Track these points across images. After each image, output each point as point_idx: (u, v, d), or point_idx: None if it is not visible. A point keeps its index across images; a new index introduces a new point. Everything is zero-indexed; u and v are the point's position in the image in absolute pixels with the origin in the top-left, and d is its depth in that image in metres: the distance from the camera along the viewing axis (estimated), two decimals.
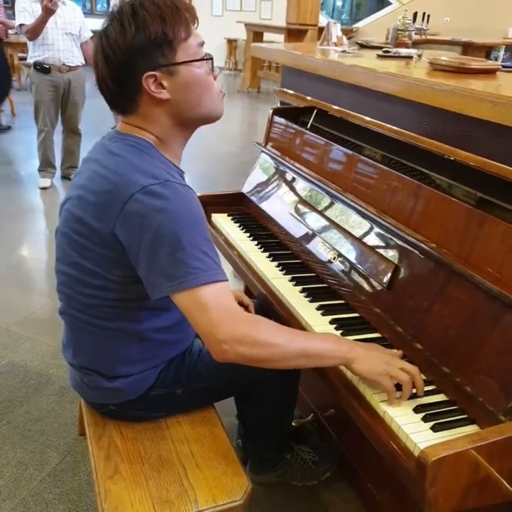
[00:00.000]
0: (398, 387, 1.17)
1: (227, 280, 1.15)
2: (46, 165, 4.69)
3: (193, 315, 1.12)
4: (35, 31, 4.15)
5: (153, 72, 1.15)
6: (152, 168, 1.15)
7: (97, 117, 5.34)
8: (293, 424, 1.81)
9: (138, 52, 1.14)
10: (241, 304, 1.65)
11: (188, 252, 1.09)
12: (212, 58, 1.23)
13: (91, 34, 4.57)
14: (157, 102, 1.19)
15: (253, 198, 2.12)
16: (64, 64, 4.33)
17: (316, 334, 1.36)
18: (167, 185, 1.12)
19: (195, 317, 1.12)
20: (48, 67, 4.29)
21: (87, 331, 1.33)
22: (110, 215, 1.14)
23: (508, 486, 0.96)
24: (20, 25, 4.17)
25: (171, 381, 1.39)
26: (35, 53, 4.29)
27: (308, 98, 2.04)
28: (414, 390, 1.18)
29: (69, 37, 4.31)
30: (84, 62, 4.52)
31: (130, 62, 1.15)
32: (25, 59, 5.27)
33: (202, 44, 1.22)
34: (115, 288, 1.24)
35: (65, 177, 4.85)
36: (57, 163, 4.80)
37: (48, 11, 4.00)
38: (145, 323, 1.31)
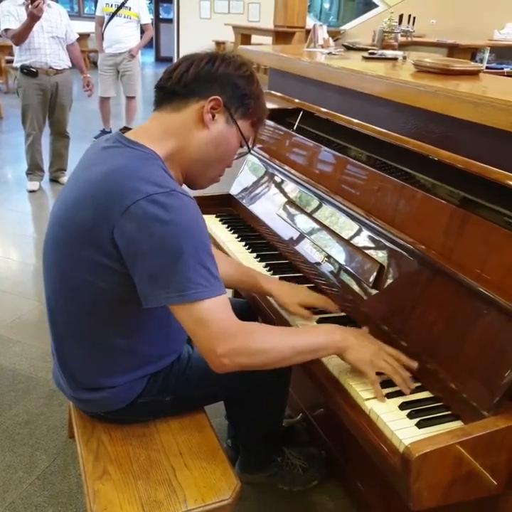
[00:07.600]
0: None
1: (225, 292, 1.14)
2: (34, 168, 4.67)
3: (191, 328, 1.12)
4: (20, 36, 4.12)
5: (222, 101, 1.21)
6: (157, 177, 1.12)
7: (84, 120, 5.33)
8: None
9: (231, 82, 1.22)
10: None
11: (190, 266, 1.07)
12: (247, 153, 1.39)
13: (77, 36, 4.57)
14: (197, 121, 1.21)
15: (241, 200, 2.12)
16: (51, 67, 4.32)
17: (310, 328, 1.38)
18: (173, 195, 1.09)
19: (193, 330, 1.12)
20: (35, 70, 4.26)
21: (71, 344, 1.31)
22: (110, 219, 1.09)
23: (492, 480, 0.98)
24: (6, 29, 4.12)
25: (160, 389, 1.38)
26: (21, 57, 4.26)
27: (296, 100, 2.06)
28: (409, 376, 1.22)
29: (55, 40, 4.30)
30: (70, 65, 4.51)
31: (221, 78, 1.22)
32: (12, 62, 5.23)
33: (249, 139, 1.35)
34: (103, 299, 1.21)
35: (53, 180, 4.84)
36: (46, 166, 4.79)
37: (33, 17, 3.95)
38: (131, 336, 1.28)
